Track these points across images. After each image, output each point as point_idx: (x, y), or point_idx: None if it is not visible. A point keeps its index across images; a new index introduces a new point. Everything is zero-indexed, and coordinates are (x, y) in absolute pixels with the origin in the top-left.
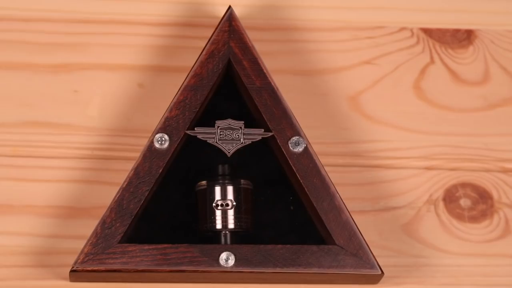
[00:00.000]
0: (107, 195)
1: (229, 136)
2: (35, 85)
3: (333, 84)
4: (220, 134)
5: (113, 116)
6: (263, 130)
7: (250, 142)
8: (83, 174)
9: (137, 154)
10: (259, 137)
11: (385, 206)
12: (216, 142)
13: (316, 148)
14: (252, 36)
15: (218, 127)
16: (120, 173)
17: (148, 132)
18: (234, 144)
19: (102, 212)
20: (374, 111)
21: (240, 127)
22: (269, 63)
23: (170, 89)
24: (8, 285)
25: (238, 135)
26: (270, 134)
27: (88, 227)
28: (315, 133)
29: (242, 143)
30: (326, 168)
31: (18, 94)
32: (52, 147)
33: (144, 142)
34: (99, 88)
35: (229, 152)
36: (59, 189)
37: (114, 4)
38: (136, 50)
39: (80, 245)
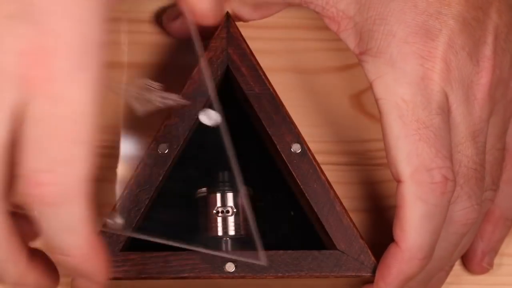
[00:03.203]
0: (110, 193)
1: (144, 96)
2: None
3: (335, 83)
4: (135, 92)
5: (115, 114)
6: (180, 95)
7: (165, 106)
8: None
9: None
10: (175, 103)
11: (388, 205)
12: (128, 98)
13: (318, 147)
14: (254, 34)
15: (135, 85)
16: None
17: (150, 130)
18: (147, 105)
19: (104, 210)
20: (376, 110)
21: (157, 89)
22: (271, 62)
23: (173, 87)
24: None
25: (154, 97)
26: (188, 102)
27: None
28: (317, 131)
29: (156, 105)
30: (329, 167)
31: None
32: None
33: (148, 140)
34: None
35: (140, 111)
36: None
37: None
38: (139, 47)
39: None
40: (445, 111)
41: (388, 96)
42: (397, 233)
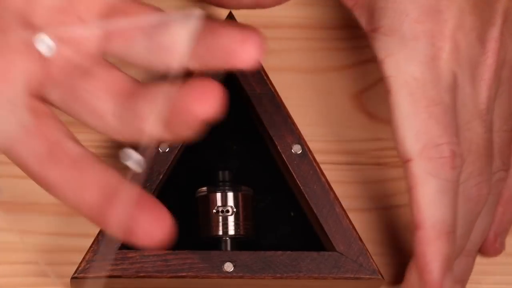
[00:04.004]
0: None
1: None
2: None
3: (337, 82)
4: None
5: None
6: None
7: None
8: None
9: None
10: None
11: (389, 204)
12: None
13: (319, 146)
14: None
15: None
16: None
17: None
18: None
19: None
20: (377, 109)
21: None
22: (272, 61)
23: None
24: (10, 282)
25: None
26: None
27: (90, 225)
28: (318, 131)
29: None
30: (329, 166)
31: None
32: None
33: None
34: None
35: None
36: None
37: None
38: None
39: (83, 242)
40: (453, 90)
41: (398, 74)
42: (416, 216)
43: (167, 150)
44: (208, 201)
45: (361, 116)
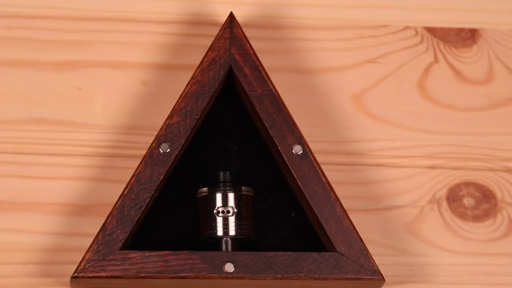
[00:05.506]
0: (111, 193)
1: None
2: (38, 82)
3: (337, 83)
4: None
5: (116, 114)
6: None
7: None
8: (86, 171)
9: (140, 152)
10: None
11: (388, 205)
12: None
13: (319, 147)
14: (256, 34)
15: None
16: (123, 170)
17: (152, 130)
18: None
19: (105, 210)
20: (377, 110)
21: None
22: (272, 62)
23: (174, 87)
24: (10, 282)
25: None
26: None
27: (90, 225)
28: (319, 131)
29: None
30: (330, 167)
31: (22, 91)
32: (55, 145)
33: (148, 139)
34: (102, 86)
35: None
36: (62, 187)
37: (118, 2)
38: (140, 47)
39: (82, 242)
40: None
41: None
42: None
43: (167, 151)
44: (209, 201)
45: (362, 116)
